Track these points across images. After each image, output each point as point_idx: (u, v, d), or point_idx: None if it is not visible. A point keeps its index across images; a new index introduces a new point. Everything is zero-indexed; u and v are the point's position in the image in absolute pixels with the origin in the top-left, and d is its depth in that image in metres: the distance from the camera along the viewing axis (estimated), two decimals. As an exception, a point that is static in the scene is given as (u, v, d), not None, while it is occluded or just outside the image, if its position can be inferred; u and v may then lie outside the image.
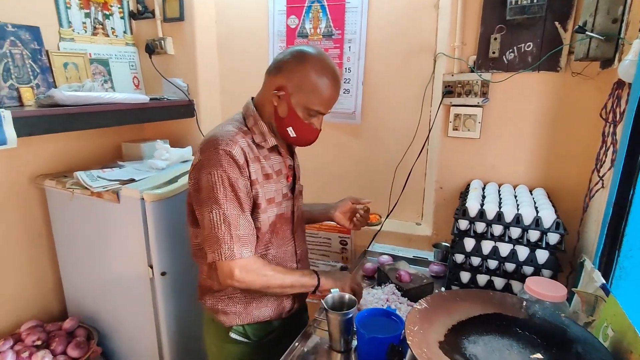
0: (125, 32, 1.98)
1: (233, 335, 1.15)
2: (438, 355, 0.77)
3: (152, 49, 1.95)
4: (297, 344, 1.11)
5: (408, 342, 0.78)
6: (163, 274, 1.46)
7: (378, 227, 1.74)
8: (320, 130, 1.12)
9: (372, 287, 1.38)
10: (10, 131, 1.28)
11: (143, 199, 1.38)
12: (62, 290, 1.79)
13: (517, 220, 1.19)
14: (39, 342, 1.51)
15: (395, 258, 1.56)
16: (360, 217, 1.32)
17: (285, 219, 1.17)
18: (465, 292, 1.08)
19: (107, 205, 1.46)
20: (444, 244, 1.60)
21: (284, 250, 1.18)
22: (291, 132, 1.08)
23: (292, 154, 1.22)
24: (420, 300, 0.93)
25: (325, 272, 1.15)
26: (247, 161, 1.03)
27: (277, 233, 1.15)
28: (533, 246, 1.19)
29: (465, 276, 1.29)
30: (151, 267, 1.45)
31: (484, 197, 1.35)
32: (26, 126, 1.30)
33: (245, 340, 1.16)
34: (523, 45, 1.36)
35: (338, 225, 1.79)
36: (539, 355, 0.79)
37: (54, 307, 1.79)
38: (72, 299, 1.78)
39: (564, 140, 1.38)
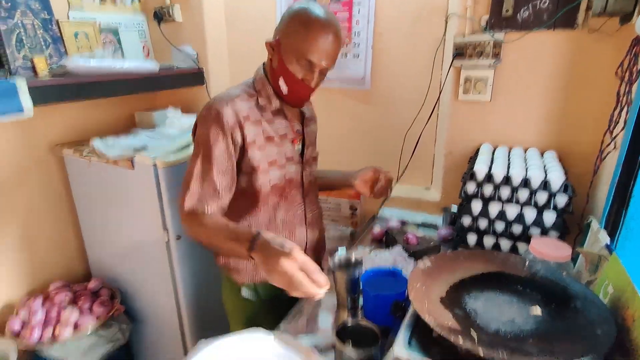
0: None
1: (244, 293, 1.20)
2: (438, 309, 0.80)
3: (160, 16, 1.93)
4: (305, 303, 1.16)
5: (410, 297, 0.81)
6: (178, 237, 1.52)
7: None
8: (315, 88, 1.10)
9: (380, 249, 1.41)
10: (26, 100, 1.32)
11: (156, 165, 1.42)
12: (86, 254, 1.89)
13: (525, 182, 1.19)
14: (66, 300, 1.61)
15: (404, 223, 1.58)
16: (382, 187, 1.31)
17: (295, 183, 1.20)
18: (469, 252, 1.10)
19: (122, 172, 1.51)
20: (452, 208, 1.61)
21: (293, 214, 1.21)
22: (282, 85, 1.08)
23: (302, 120, 1.23)
24: (424, 259, 0.96)
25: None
26: (239, 123, 1.05)
27: (287, 197, 1.18)
28: (541, 209, 1.19)
29: (472, 239, 1.30)
30: (167, 230, 1.51)
31: (492, 160, 1.34)
32: (41, 95, 1.33)
33: (256, 298, 1.22)
34: (538, 1, 1.30)
35: (348, 192, 1.83)
36: (537, 311, 0.81)
37: (78, 270, 1.89)
38: (95, 262, 1.87)
39: (577, 101, 1.34)
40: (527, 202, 1.21)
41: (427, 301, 0.81)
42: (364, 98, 1.80)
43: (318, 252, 1.34)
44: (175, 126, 1.73)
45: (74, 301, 1.64)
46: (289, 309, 1.15)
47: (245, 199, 1.14)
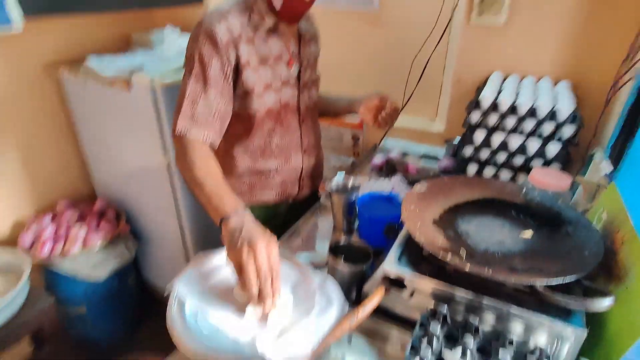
0: None
1: None
2: (430, 230, 0.82)
3: None
4: (301, 225, 1.19)
5: (403, 218, 0.82)
6: (178, 160, 1.52)
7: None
8: (311, 2, 1.02)
9: (379, 178, 1.41)
10: (14, 11, 1.26)
11: (153, 86, 1.38)
12: (90, 175, 1.92)
13: (532, 112, 1.15)
14: (74, 218, 1.66)
15: (406, 154, 1.57)
16: (387, 115, 1.26)
17: (290, 108, 1.16)
18: (466, 178, 1.10)
19: (119, 94, 1.48)
20: (455, 139, 1.59)
21: (289, 140, 1.19)
22: None
23: (299, 41, 1.16)
24: (420, 183, 0.96)
25: (232, 233, 0.76)
26: (233, 41, 0.98)
27: (282, 122, 1.15)
28: (545, 140, 1.16)
29: (472, 169, 1.29)
30: (167, 154, 1.51)
31: (501, 89, 1.29)
32: (30, 5, 1.26)
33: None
34: None
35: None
36: (528, 233, 0.82)
37: (83, 190, 1.94)
38: (100, 184, 1.91)
39: (598, 25, 1.25)
40: (532, 133, 1.18)
41: (419, 222, 0.82)
42: (371, 20, 1.70)
43: (314, 179, 1.34)
44: (173, 46, 1.66)
45: (81, 219, 1.69)
46: (284, 232, 1.18)
47: (239, 124, 1.11)
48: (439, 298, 0.74)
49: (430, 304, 0.76)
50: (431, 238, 0.77)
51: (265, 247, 0.71)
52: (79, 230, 1.60)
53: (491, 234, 0.82)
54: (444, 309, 0.67)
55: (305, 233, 1.18)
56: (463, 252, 0.74)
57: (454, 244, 0.77)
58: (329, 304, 0.75)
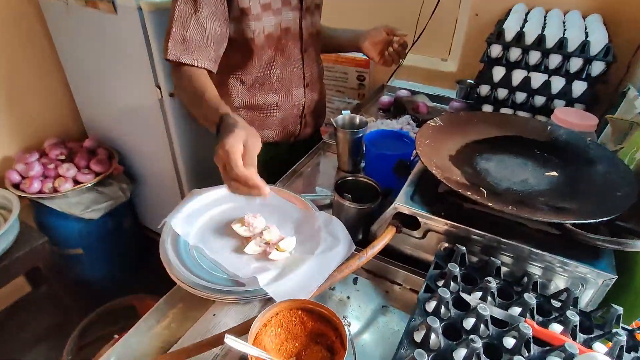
0: None
1: None
2: (447, 166, 0.75)
3: None
4: (302, 165, 1.11)
5: (417, 151, 0.75)
6: (171, 95, 1.42)
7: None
8: None
9: (386, 118, 1.33)
10: None
11: (140, 8, 1.24)
12: (78, 112, 1.82)
13: (560, 44, 1.04)
14: (62, 157, 1.58)
15: (415, 93, 1.47)
16: (394, 51, 1.14)
17: (292, 34, 1.04)
18: (484, 114, 1.01)
19: (104, 18, 1.34)
20: (468, 80, 1.48)
21: (290, 71, 1.08)
22: None
23: None
24: (435, 118, 0.88)
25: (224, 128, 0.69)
26: None
27: (283, 51, 1.04)
28: (571, 77, 1.06)
29: (487, 110, 1.20)
30: (159, 87, 1.40)
31: (525, 21, 1.16)
32: None
33: None
34: None
35: (356, 58, 1.67)
36: (554, 173, 0.75)
37: (72, 128, 1.84)
38: (89, 120, 1.81)
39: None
40: (557, 70, 1.08)
41: (435, 157, 0.75)
42: (384, -57, 1.52)
43: (317, 118, 1.25)
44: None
45: (70, 159, 1.61)
46: (285, 171, 1.11)
47: (235, 52, 0.99)
48: (454, 239, 0.69)
49: (443, 246, 0.71)
50: (449, 174, 0.70)
51: (252, 137, 0.65)
52: (68, 168, 1.53)
53: (513, 172, 0.75)
54: (462, 248, 0.61)
55: (307, 173, 1.11)
56: (484, 190, 0.68)
57: (473, 182, 0.71)
58: (334, 243, 0.69)
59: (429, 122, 0.86)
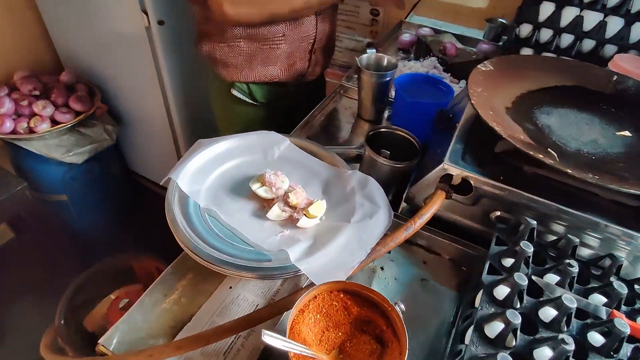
0: None
1: (235, 92, 0.99)
2: (505, 121, 0.63)
3: None
4: (316, 112, 0.98)
5: (472, 102, 0.62)
6: (160, 22, 1.22)
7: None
8: None
9: (407, 60, 1.18)
10: None
11: None
12: (51, 41, 1.59)
13: (626, -23, 0.89)
14: (36, 92, 1.40)
15: (438, 31, 1.30)
16: None
17: None
18: (537, 58, 0.88)
19: None
20: (500, 19, 1.31)
21: None
22: None
23: None
24: (484, 62, 0.74)
25: None
26: None
27: None
28: (632, 18, 0.92)
29: (526, 52, 1.06)
30: (145, 13, 1.20)
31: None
32: None
33: (251, 101, 1.02)
34: None
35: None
36: (626, 132, 0.64)
37: (45, 58, 1.62)
38: (64, 50, 1.59)
39: None
40: (616, 9, 0.93)
41: (491, 110, 0.63)
42: None
43: (327, 54, 1.07)
44: None
45: (46, 95, 1.43)
46: (293, 116, 0.97)
47: None
48: (508, 207, 0.59)
49: (495, 214, 0.61)
50: (510, 132, 0.59)
51: None
52: (44, 106, 1.35)
53: (579, 130, 0.64)
54: (533, 223, 0.52)
55: (320, 120, 0.98)
56: (553, 152, 0.57)
57: (538, 141, 0.60)
58: (373, 209, 0.59)
59: (478, 66, 0.73)
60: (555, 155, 0.56)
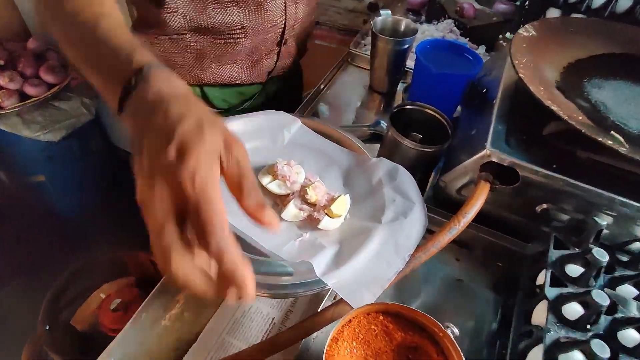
0: None
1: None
2: (557, 97, 0.54)
3: None
4: (321, 86, 0.87)
5: (520, 75, 0.53)
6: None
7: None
8: None
9: (419, 23, 1.06)
10: None
11: None
12: (14, 1, 1.41)
13: None
14: (0, 62, 1.24)
15: (451, -10, 1.17)
16: None
17: None
18: (580, 21, 0.78)
19: None
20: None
21: None
22: None
23: None
24: (525, 26, 0.64)
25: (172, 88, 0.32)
26: None
27: None
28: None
29: (553, 14, 0.95)
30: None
31: None
32: None
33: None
34: None
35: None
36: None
37: (9, 23, 1.44)
38: (32, 15, 1.41)
39: None
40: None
41: (541, 85, 0.54)
42: None
43: (302, 41, 0.85)
44: None
45: (13, 65, 1.27)
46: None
47: None
48: (556, 197, 0.51)
49: (542, 207, 0.53)
50: (567, 112, 0.50)
51: (235, 143, 0.30)
52: (11, 78, 1.20)
53: (637, 107, 0.56)
54: (603, 224, 0.44)
55: (327, 96, 0.87)
56: (617, 135, 0.49)
57: (596, 121, 0.51)
58: (407, 205, 0.50)
59: (519, 31, 0.62)
60: (622, 139, 0.48)
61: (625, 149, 0.44)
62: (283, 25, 0.72)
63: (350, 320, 0.39)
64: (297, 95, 0.97)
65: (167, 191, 0.27)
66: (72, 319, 0.82)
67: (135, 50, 0.35)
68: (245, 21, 0.66)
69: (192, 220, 0.27)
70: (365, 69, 0.91)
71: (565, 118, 0.46)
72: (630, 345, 0.37)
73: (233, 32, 0.67)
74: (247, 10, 0.65)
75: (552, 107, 0.48)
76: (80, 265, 0.86)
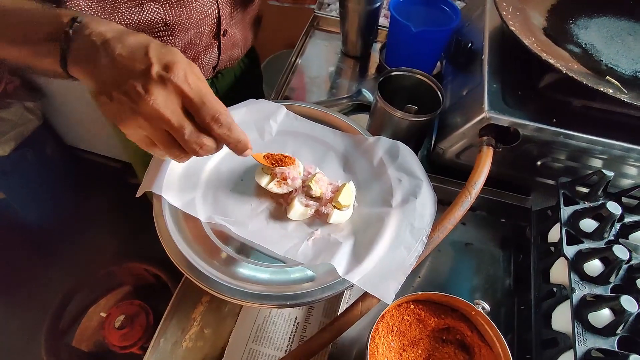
0: None
1: None
2: (547, 45, 0.52)
3: None
4: (293, 56, 0.81)
5: (511, 28, 0.50)
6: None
7: None
8: None
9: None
10: None
11: None
12: None
13: None
14: None
15: None
16: None
17: None
18: None
19: None
20: None
21: None
22: None
23: None
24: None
25: (100, 55, 0.34)
26: None
27: None
28: None
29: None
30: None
31: None
32: None
33: None
34: None
35: None
36: (675, 39, 0.56)
37: None
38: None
39: None
40: None
41: (532, 36, 0.52)
42: None
43: (248, 28, 0.75)
44: None
45: None
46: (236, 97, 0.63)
47: None
48: (561, 152, 0.51)
49: (539, 162, 0.53)
50: (560, 60, 0.48)
51: (189, 66, 0.34)
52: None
53: (624, 44, 0.55)
54: (610, 175, 0.44)
55: (298, 68, 0.82)
56: (614, 80, 0.48)
57: (590, 67, 0.50)
58: (414, 183, 0.48)
59: (498, -24, 0.59)
60: (619, 84, 0.47)
61: (626, 96, 0.44)
62: (217, 16, 0.63)
63: (383, 316, 0.38)
64: (256, 84, 0.91)
65: (170, 99, 0.33)
66: (74, 341, 0.79)
67: (57, 9, 0.37)
68: (168, 17, 0.56)
69: (198, 113, 0.34)
70: (334, 32, 0.86)
71: (565, 71, 0.45)
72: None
73: (156, 31, 0.57)
74: (167, 5, 0.55)
75: (549, 60, 0.46)
76: (71, 286, 0.81)
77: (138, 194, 0.48)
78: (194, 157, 0.41)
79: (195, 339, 0.48)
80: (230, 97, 0.73)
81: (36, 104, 1.26)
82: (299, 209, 0.46)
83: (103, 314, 0.76)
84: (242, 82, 0.81)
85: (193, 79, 0.34)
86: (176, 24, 0.57)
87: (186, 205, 0.46)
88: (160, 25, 0.56)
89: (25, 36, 0.38)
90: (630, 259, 0.41)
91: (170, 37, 0.59)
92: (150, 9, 0.54)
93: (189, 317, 0.49)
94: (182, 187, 0.47)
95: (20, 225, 1.36)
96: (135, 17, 0.54)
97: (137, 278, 0.84)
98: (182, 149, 0.36)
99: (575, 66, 0.49)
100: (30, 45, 0.38)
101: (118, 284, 0.85)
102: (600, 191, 0.45)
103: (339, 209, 0.46)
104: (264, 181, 0.47)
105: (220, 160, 0.51)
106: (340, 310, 0.45)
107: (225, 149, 0.43)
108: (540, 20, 0.56)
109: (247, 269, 0.43)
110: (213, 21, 0.63)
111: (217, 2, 0.61)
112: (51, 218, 1.42)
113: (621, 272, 0.41)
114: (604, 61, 0.52)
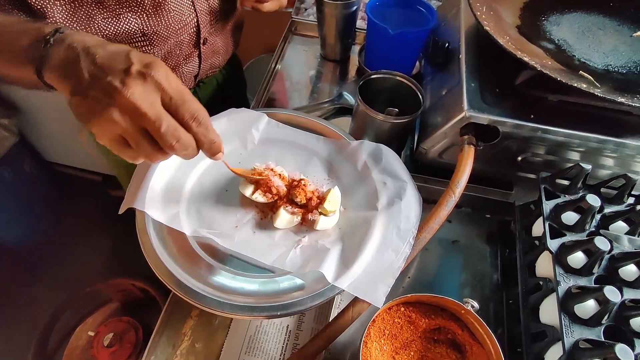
0: None
1: None
2: (522, 43, 0.53)
3: None
4: (272, 62, 0.81)
5: (486, 28, 0.51)
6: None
7: None
8: None
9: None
10: None
11: None
12: None
13: None
14: None
15: None
16: None
17: None
18: None
19: None
20: None
21: None
22: None
23: None
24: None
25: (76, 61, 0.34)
26: None
27: None
28: None
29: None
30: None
31: None
32: None
33: None
34: None
35: None
36: (642, 32, 0.58)
37: None
38: None
39: None
40: None
41: (507, 34, 0.53)
42: None
43: (228, 35, 0.72)
44: None
45: None
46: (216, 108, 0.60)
47: None
48: (540, 146, 0.52)
49: (520, 157, 0.54)
50: (534, 57, 0.49)
51: (165, 70, 0.34)
52: None
53: (595, 39, 0.57)
54: (588, 168, 0.45)
55: (279, 74, 0.81)
56: (587, 75, 0.49)
57: (564, 63, 0.51)
58: (398, 185, 0.49)
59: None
60: (592, 79, 0.48)
61: (599, 90, 0.45)
62: (196, 25, 0.61)
63: (374, 320, 0.39)
64: (240, 90, 0.90)
65: (148, 92, 0.33)
66: (63, 362, 0.77)
67: (38, 22, 0.39)
68: (145, 27, 0.55)
69: (177, 111, 0.34)
70: (312, 36, 0.86)
71: (539, 68, 0.46)
72: (631, 279, 0.40)
73: (134, 41, 0.56)
74: (144, 15, 0.54)
75: (525, 59, 0.47)
76: (57, 306, 0.79)
77: (121, 211, 0.47)
78: (175, 170, 0.40)
79: (186, 354, 0.47)
80: (214, 105, 0.68)
81: (11, 120, 1.23)
82: (285, 217, 0.46)
83: (91, 333, 0.74)
84: (225, 89, 0.80)
85: (174, 78, 0.34)
86: (154, 34, 0.56)
87: (170, 220, 0.45)
88: (138, 35, 0.55)
89: (5, 44, 0.39)
90: (611, 249, 0.42)
91: (149, 47, 0.58)
92: (127, 19, 0.53)
93: (179, 332, 0.48)
94: (165, 201, 0.47)
95: (0, 246, 1.32)
96: (112, 28, 0.53)
97: (124, 294, 0.83)
98: (156, 146, 0.34)
99: (549, 62, 0.50)
100: (9, 53, 0.39)
101: (105, 300, 0.83)
102: (580, 183, 0.46)
103: (325, 215, 0.46)
104: (248, 191, 0.47)
105: (202, 172, 0.51)
106: (332, 316, 0.45)
107: (206, 161, 0.42)
108: (513, 18, 0.57)
109: (235, 281, 0.42)
110: (192, 30, 0.62)
111: (195, 10, 0.60)
112: (33, 236, 1.38)
113: (604, 262, 0.42)
114: (576, 56, 0.53)
